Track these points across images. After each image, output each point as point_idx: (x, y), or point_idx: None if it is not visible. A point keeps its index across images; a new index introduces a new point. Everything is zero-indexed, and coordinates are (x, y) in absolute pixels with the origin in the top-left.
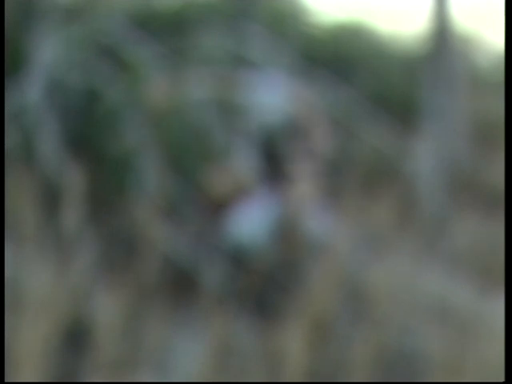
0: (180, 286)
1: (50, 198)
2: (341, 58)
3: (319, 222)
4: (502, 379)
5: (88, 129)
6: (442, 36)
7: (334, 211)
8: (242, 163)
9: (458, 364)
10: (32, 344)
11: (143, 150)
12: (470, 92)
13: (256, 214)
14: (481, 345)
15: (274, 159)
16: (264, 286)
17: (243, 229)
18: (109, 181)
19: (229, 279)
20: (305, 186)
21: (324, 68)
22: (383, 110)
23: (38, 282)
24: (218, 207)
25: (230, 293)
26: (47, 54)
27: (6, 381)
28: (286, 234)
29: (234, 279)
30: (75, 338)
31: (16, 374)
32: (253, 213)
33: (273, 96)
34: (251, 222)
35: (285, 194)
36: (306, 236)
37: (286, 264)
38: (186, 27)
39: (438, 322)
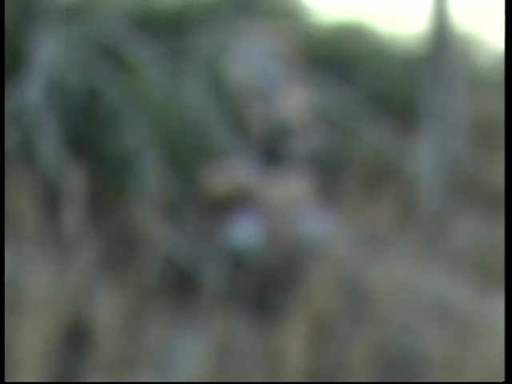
0: (180, 286)
1: (50, 198)
2: (341, 58)
3: (318, 222)
4: (502, 379)
5: (88, 129)
6: (442, 36)
7: (334, 211)
8: (242, 163)
9: (458, 364)
10: (32, 344)
11: (143, 150)
12: (469, 92)
13: (254, 215)
14: (481, 345)
15: (273, 158)
16: (264, 285)
17: (241, 229)
18: (109, 181)
19: (228, 279)
20: (301, 184)
21: (324, 68)
22: (383, 109)
23: (38, 281)
24: (217, 208)
25: (229, 293)
26: (47, 54)
27: (6, 381)
28: (280, 235)
29: (233, 279)
30: (75, 337)
31: (16, 374)
32: (251, 214)
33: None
34: (249, 223)
35: (281, 194)
36: (305, 236)
37: (286, 264)
38: (186, 27)
39: (438, 322)
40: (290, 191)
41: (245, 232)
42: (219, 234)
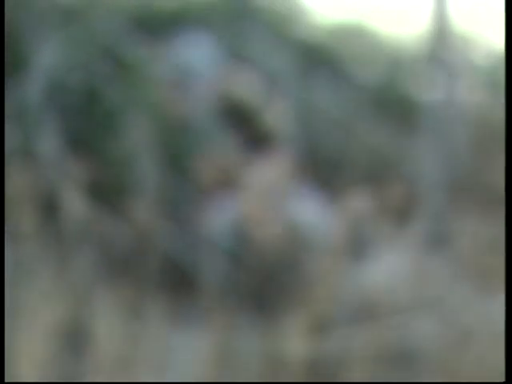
0: (180, 285)
1: (50, 198)
2: (341, 59)
3: (316, 219)
4: (502, 379)
5: (88, 129)
6: (442, 36)
7: (333, 210)
8: (227, 150)
9: (458, 364)
10: (32, 344)
11: (143, 150)
12: (469, 92)
13: (235, 201)
14: (480, 345)
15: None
16: (263, 282)
17: (223, 217)
18: (109, 180)
19: (223, 273)
20: (285, 169)
21: (324, 68)
22: (383, 109)
23: (38, 281)
24: (208, 198)
25: (228, 290)
26: (47, 54)
27: (6, 381)
28: (265, 220)
29: (228, 273)
30: (75, 338)
31: (16, 374)
32: (233, 200)
33: None
34: (230, 209)
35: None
36: (297, 224)
37: (285, 260)
38: (185, 27)
39: (438, 322)
40: (274, 177)
41: (226, 219)
42: (207, 226)
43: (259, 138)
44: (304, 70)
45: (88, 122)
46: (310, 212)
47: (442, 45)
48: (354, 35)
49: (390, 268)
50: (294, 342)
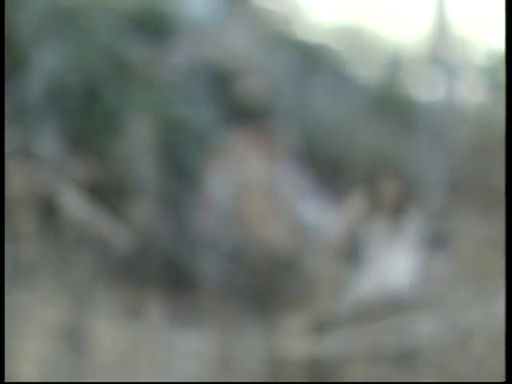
0: (180, 285)
1: (50, 198)
2: (340, 60)
3: (315, 218)
4: (502, 379)
5: (88, 129)
6: (442, 37)
7: (332, 208)
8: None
9: (458, 364)
10: (32, 344)
11: (143, 150)
12: (469, 93)
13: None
14: (480, 345)
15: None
16: (263, 280)
17: (222, 217)
18: (109, 181)
19: (227, 275)
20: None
21: (324, 68)
22: (383, 110)
23: (38, 281)
24: (205, 194)
25: (229, 289)
26: (47, 55)
27: (5, 381)
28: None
29: (232, 275)
30: (75, 338)
31: (16, 374)
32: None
33: None
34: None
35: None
36: (301, 221)
37: (283, 259)
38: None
39: (438, 322)
40: (269, 169)
41: (224, 218)
42: (205, 224)
43: (251, 117)
44: (304, 70)
45: (88, 123)
46: (310, 211)
47: (441, 46)
48: (354, 36)
49: (389, 268)
50: (294, 342)
